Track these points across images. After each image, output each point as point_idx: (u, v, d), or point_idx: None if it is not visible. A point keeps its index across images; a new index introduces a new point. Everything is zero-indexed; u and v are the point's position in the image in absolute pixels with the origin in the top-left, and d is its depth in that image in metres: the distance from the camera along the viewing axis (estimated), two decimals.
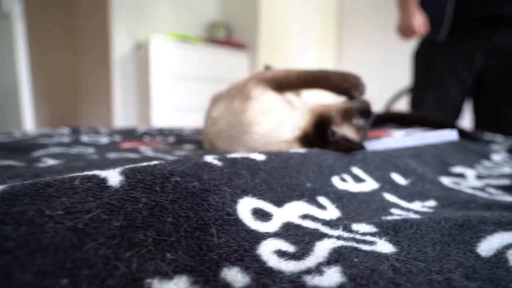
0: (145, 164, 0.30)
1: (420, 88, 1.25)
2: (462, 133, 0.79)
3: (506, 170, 0.57)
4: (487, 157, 0.65)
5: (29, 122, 1.74)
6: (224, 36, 2.84)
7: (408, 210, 0.35)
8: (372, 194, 0.38)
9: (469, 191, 0.44)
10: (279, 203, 0.31)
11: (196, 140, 0.86)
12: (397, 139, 0.55)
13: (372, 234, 0.28)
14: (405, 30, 1.12)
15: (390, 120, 0.84)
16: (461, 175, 0.51)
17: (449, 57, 1.13)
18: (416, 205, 0.37)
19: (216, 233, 0.25)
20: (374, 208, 0.35)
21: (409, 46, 1.34)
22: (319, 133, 0.52)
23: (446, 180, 0.48)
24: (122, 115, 2.59)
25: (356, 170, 0.42)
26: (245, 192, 0.30)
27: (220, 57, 2.62)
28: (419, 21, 1.07)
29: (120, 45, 2.49)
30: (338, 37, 2.96)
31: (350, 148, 0.47)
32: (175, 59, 2.40)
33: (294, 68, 0.59)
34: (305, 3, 2.74)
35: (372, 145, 0.53)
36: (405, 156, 0.50)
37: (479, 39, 1.06)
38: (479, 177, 0.50)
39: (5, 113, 1.75)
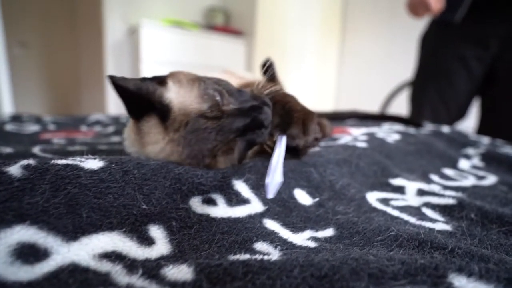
0: None
1: (423, 78, 1.07)
2: (403, 120, 0.72)
3: (468, 182, 0.46)
4: (453, 164, 0.54)
5: (7, 106, 1.72)
6: (222, 22, 2.72)
7: (279, 245, 0.26)
8: (244, 221, 0.29)
9: (395, 213, 0.34)
10: (73, 235, 0.23)
11: None
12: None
13: (178, 286, 0.20)
14: (416, 6, 0.91)
15: (352, 117, 0.75)
16: (400, 189, 0.41)
17: (461, 42, 0.96)
18: (301, 237, 0.28)
19: None
20: (231, 242, 0.26)
21: (415, 38, 1.16)
22: None
23: (373, 197, 0.38)
24: (117, 102, 2.55)
25: (239, 186, 0.32)
26: (22, 218, 0.22)
27: (217, 44, 2.51)
28: None
29: (113, 29, 2.42)
30: (341, 26, 2.78)
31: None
32: (168, 45, 2.32)
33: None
34: None
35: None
36: (330, 162, 0.40)
37: (498, 24, 0.90)
38: (422, 192, 0.40)
39: None
